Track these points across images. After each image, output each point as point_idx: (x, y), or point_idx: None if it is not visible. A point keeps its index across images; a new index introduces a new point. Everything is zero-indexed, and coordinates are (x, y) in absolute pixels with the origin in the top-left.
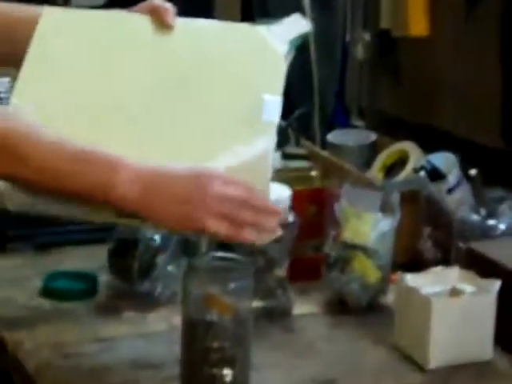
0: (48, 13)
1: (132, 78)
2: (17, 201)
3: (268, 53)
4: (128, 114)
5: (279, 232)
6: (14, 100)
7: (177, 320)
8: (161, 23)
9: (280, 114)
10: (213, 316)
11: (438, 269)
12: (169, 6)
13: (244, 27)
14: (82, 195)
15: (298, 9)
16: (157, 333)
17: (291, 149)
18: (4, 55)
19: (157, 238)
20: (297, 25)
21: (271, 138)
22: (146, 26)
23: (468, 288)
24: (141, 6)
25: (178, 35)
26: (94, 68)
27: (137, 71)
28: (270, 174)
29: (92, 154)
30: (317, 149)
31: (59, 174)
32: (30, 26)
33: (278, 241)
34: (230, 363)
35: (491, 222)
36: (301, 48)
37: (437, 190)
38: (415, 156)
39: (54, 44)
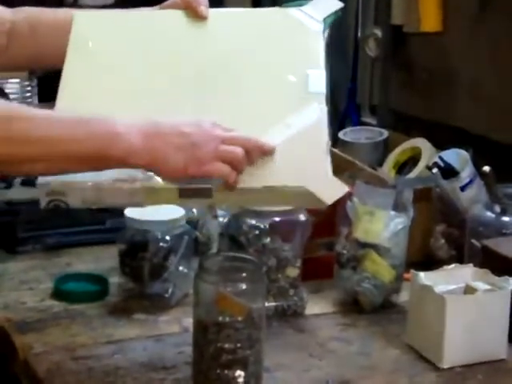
0: (80, 16)
1: (174, 70)
2: (78, 197)
3: (304, 31)
4: (175, 105)
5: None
6: (59, 104)
7: (188, 321)
8: (195, 15)
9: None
10: (225, 317)
11: (452, 267)
12: None
13: (276, 10)
14: (88, 158)
15: None
16: (168, 334)
17: None
18: (31, 58)
19: (168, 238)
20: (328, 3)
21: (322, 107)
22: (180, 20)
23: (482, 285)
24: (172, 0)
25: (214, 25)
26: (134, 65)
27: (178, 64)
28: (326, 141)
29: (88, 116)
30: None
31: (62, 141)
32: (57, 29)
33: (290, 240)
34: (243, 364)
35: (505, 218)
36: None
37: (450, 187)
38: (428, 153)
39: (91, 46)
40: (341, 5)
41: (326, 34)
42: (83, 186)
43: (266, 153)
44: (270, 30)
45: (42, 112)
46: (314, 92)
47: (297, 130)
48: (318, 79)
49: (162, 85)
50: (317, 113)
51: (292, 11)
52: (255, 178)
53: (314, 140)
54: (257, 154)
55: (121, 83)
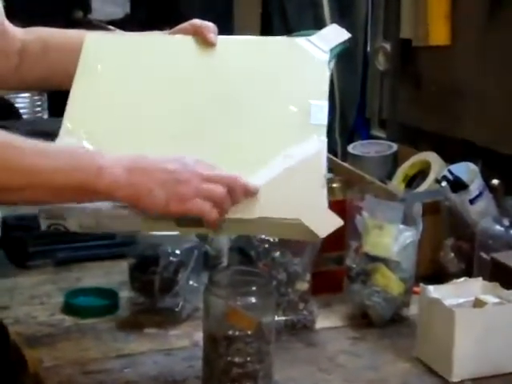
0: (91, 38)
1: (180, 96)
2: (77, 222)
3: (310, 61)
4: (178, 131)
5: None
6: (67, 124)
7: (199, 335)
8: (203, 41)
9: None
10: (234, 331)
11: (461, 280)
12: (210, 24)
13: (284, 40)
14: (71, 190)
15: (318, 21)
16: (179, 349)
17: None
18: (42, 79)
19: (178, 252)
20: (335, 34)
21: (322, 139)
22: (188, 45)
23: (491, 299)
24: (182, 26)
25: (222, 52)
26: (141, 90)
27: (184, 90)
28: (323, 174)
29: (74, 148)
30: (338, 160)
31: (46, 172)
32: (69, 50)
33: (299, 254)
34: (253, 378)
35: None
36: None
37: (459, 200)
38: (437, 166)
39: (100, 68)
40: (349, 35)
41: (332, 65)
42: (82, 211)
43: (248, 193)
44: (276, 58)
45: (29, 142)
46: (315, 124)
47: (295, 162)
48: (320, 111)
49: (166, 110)
50: (316, 146)
51: (299, 41)
52: (251, 209)
53: (312, 173)
54: (240, 192)
55: (126, 108)
